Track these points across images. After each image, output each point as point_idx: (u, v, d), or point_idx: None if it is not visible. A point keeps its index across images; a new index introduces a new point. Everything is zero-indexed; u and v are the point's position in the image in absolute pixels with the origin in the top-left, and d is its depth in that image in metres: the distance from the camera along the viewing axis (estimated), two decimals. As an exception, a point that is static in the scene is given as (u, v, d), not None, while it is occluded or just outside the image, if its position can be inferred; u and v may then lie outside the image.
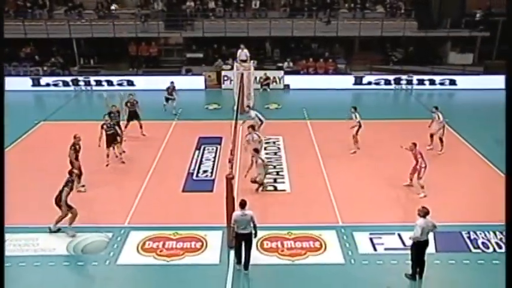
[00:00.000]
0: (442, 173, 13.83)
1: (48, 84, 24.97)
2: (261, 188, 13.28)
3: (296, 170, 14.80)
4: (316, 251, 10.61)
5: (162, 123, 18.85)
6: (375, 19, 26.67)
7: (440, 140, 15.84)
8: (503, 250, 10.55)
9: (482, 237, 11.08)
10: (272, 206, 12.68)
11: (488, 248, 10.75)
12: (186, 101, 20.25)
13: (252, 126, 14.78)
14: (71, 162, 13.08)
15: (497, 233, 11.16)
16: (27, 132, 18.27)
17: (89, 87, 25.02)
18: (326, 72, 26.25)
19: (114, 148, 15.06)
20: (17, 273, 9.74)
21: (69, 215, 11.10)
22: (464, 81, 24.93)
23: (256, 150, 13.22)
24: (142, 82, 24.78)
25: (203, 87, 25.03)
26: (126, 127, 17.11)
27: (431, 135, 16.00)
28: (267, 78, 24.82)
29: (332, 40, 27.37)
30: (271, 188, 13.71)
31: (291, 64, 26.50)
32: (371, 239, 11.01)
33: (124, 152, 15.25)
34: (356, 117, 15.93)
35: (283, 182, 14.06)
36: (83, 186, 13.22)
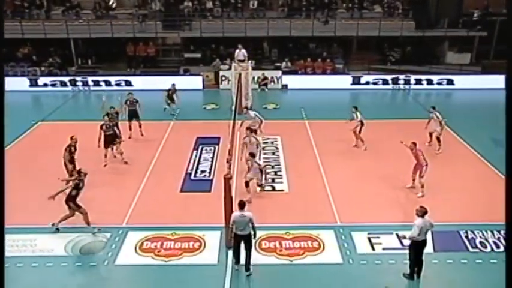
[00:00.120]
0: (440, 172, 13.85)
1: (45, 85, 24.93)
2: (258, 189, 13.22)
3: (294, 170, 14.81)
4: (314, 251, 10.62)
5: (160, 123, 18.83)
6: (373, 19, 26.68)
7: (438, 139, 15.88)
8: (501, 249, 10.60)
9: (480, 237, 11.10)
10: (270, 206, 12.67)
11: (486, 247, 10.77)
12: (184, 101, 20.21)
13: (250, 129, 14.62)
14: (65, 164, 13.04)
15: (495, 232, 11.19)
16: (25, 132, 18.24)
17: (86, 88, 24.99)
18: (324, 72, 26.25)
19: (112, 149, 15.06)
20: (15, 274, 9.72)
21: (80, 215, 11.15)
22: (461, 81, 24.98)
23: (252, 155, 12.92)
24: (140, 82, 24.76)
25: (201, 87, 25.02)
26: (130, 128, 17.08)
27: (431, 134, 16.13)
28: (265, 78, 24.82)
29: (330, 40, 27.36)
30: (269, 188, 13.71)
31: (289, 64, 26.49)
32: (369, 239, 11.02)
33: (122, 152, 15.22)
34: (357, 116, 16.00)
35: (281, 182, 14.06)
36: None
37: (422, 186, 12.90)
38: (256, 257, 10.19)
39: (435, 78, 25.13)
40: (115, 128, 15.21)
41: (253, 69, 22.85)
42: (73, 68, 27.02)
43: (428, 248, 9.79)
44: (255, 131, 16.42)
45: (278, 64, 26.61)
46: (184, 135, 17.78)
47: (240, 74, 20.55)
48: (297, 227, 11.44)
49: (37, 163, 15.09)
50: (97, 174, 14.06)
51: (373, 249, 10.72)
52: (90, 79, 25.10)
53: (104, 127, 14.71)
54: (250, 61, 22.20)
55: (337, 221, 11.86)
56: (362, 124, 16.04)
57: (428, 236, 9.54)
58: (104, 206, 12.61)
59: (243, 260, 9.82)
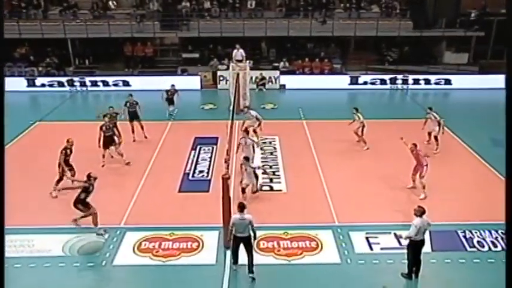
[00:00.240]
0: (438, 172, 13.86)
1: (43, 85, 24.88)
2: (254, 195, 12.99)
3: (292, 170, 14.81)
4: (313, 251, 10.62)
5: (158, 123, 18.80)
6: (371, 19, 26.70)
7: (436, 138, 15.90)
8: (498, 249, 10.63)
9: (478, 236, 11.12)
10: (268, 206, 12.66)
11: (483, 246, 10.79)
12: (182, 101, 20.19)
13: (246, 131, 14.56)
14: (59, 165, 12.99)
15: (493, 231, 11.22)
16: (22, 132, 18.21)
17: (84, 88, 24.96)
18: (322, 72, 26.26)
19: (109, 148, 15.00)
20: (13, 274, 9.69)
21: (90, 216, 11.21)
22: (459, 81, 25.04)
23: (247, 159, 12.78)
24: (138, 82, 24.73)
25: (199, 87, 25.03)
26: (132, 131, 16.96)
27: (429, 133, 16.19)
28: (263, 78, 24.82)
29: (328, 40, 27.37)
30: (267, 188, 13.71)
31: (287, 64, 26.49)
32: (367, 239, 11.03)
33: (122, 154, 15.15)
34: (359, 117, 16.05)
35: (279, 182, 14.06)
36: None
37: (424, 187, 12.79)
38: (254, 257, 10.15)
39: (433, 78, 25.18)
40: (114, 129, 15.20)
41: (251, 69, 22.83)
42: (70, 68, 26.95)
43: (426, 248, 9.79)
44: (254, 131, 16.48)
45: (276, 64, 26.61)
46: (182, 135, 17.76)
47: (238, 74, 20.54)
48: (295, 227, 11.44)
49: (34, 163, 15.04)
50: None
51: (371, 249, 10.72)
52: (87, 79, 25.06)
53: (103, 128, 14.73)
54: (248, 61, 22.18)
55: (335, 220, 11.86)
56: (364, 125, 16.11)
57: (426, 236, 9.55)
58: (102, 206, 12.51)
59: (241, 261, 9.81)
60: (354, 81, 25.09)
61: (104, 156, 14.83)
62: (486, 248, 10.73)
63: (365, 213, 12.16)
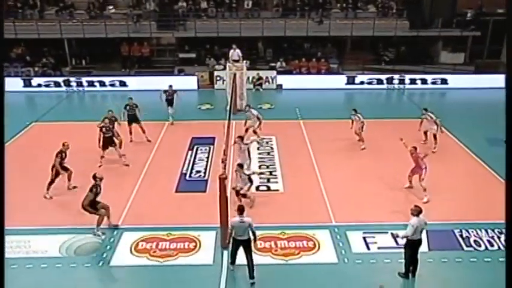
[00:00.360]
0: (434, 171, 13.87)
1: (39, 85, 24.82)
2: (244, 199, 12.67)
3: (289, 169, 14.81)
4: (310, 251, 10.63)
5: (155, 123, 18.74)
6: (367, 19, 26.73)
7: (434, 136, 15.93)
8: (495, 248, 10.68)
9: (474, 235, 11.15)
10: (265, 205, 12.65)
11: (480, 246, 10.82)
12: (179, 101, 20.13)
13: (240, 136, 14.08)
14: (52, 168, 12.95)
15: (489, 230, 11.25)
16: (19, 133, 18.15)
17: (80, 88, 24.90)
18: (318, 72, 26.30)
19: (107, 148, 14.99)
20: (9, 275, 9.58)
21: (84, 215, 11.18)
22: (455, 80, 25.11)
23: (241, 166, 12.56)
24: (134, 82, 24.70)
25: (196, 87, 25.00)
26: (130, 132, 16.87)
27: (425, 133, 16.24)
28: (260, 78, 24.82)
29: (324, 40, 27.40)
30: (265, 187, 13.71)
31: (284, 64, 26.50)
32: (364, 238, 11.05)
33: (122, 155, 15.11)
34: (359, 118, 16.12)
35: (276, 182, 14.06)
36: (75, 187, 13.26)
37: (425, 190, 12.60)
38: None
39: (429, 77, 25.24)
40: (114, 130, 15.18)
41: (248, 69, 22.85)
42: (67, 69, 26.90)
43: (423, 247, 9.81)
44: (254, 132, 16.49)
45: (273, 64, 26.62)
46: (179, 135, 17.75)
47: (234, 74, 20.55)
48: (292, 226, 11.44)
49: (30, 164, 14.96)
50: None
51: (368, 248, 10.74)
52: (84, 79, 25.01)
53: (103, 129, 14.73)
54: (244, 61, 22.16)
55: (332, 220, 11.87)
56: (363, 125, 16.17)
57: (423, 235, 9.56)
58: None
59: (238, 261, 9.79)
60: (350, 81, 25.10)
61: (102, 157, 14.78)
62: (483, 247, 10.76)
63: (362, 212, 12.17)
